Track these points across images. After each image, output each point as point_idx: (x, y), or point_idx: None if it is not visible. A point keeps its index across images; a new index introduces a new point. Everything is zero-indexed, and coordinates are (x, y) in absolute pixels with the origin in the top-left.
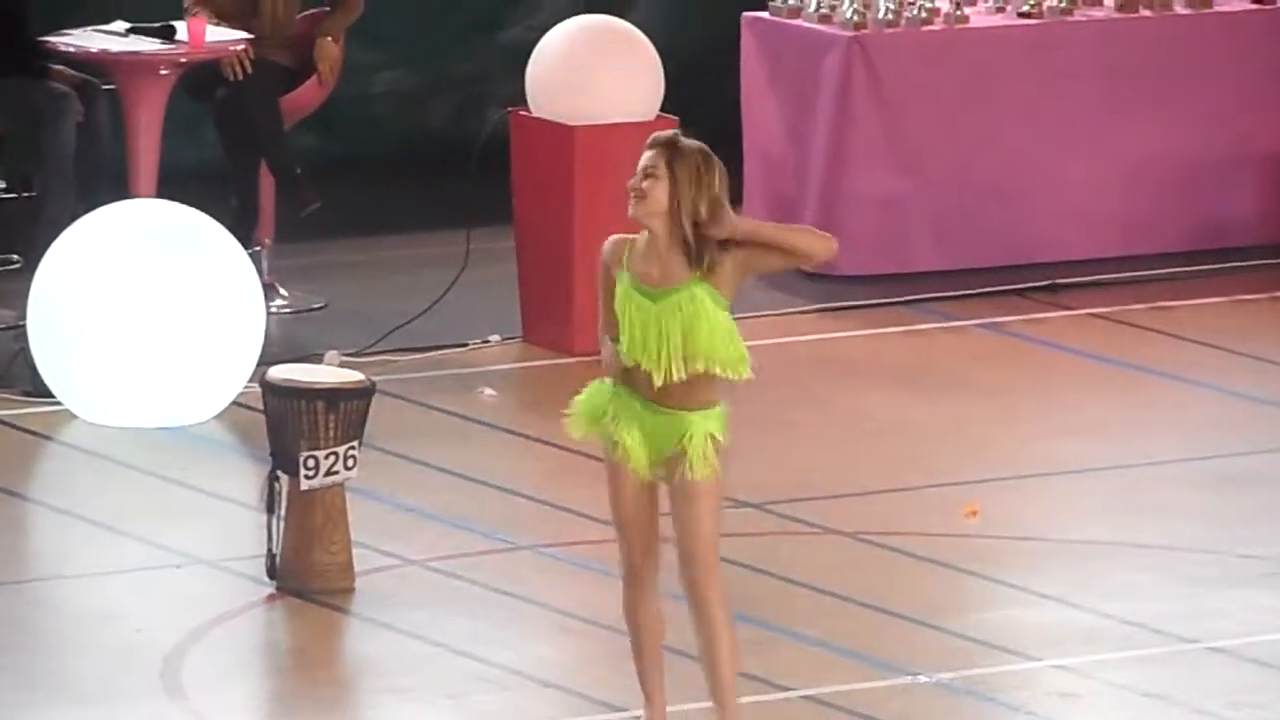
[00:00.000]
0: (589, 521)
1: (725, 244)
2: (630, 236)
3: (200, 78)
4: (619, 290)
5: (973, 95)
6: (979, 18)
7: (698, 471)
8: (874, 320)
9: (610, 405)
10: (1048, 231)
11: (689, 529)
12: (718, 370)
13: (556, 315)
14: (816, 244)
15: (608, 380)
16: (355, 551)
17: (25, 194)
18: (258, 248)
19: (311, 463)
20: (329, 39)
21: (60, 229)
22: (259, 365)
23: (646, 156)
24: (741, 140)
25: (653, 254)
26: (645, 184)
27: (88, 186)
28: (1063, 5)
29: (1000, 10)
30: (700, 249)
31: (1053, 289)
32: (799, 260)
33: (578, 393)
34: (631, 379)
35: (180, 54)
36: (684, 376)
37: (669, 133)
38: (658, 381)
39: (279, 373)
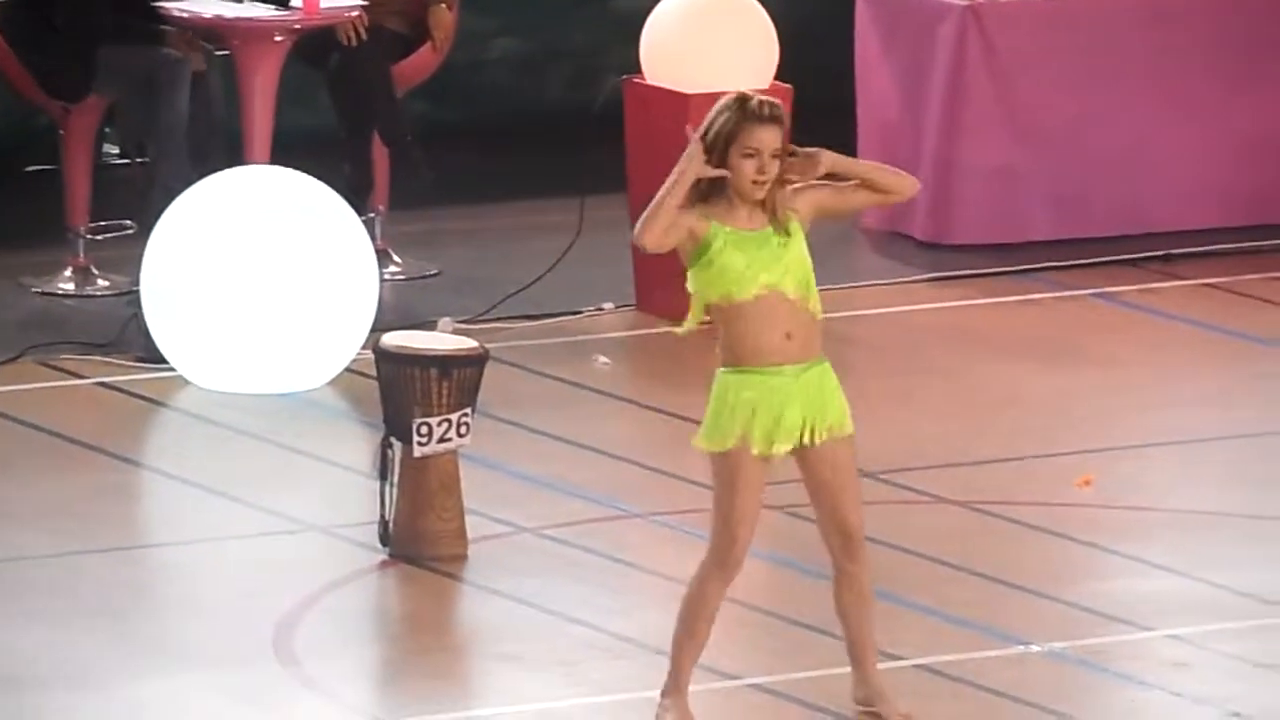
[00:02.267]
0: (702, 489)
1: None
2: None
3: (314, 44)
4: (719, 238)
5: (1087, 64)
6: None
7: (846, 426)
8: (988, 289)
9: (734, 396)
10: (1162, 201)
11: (855, 492)
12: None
13: (670, 282)
14: (902, 181)
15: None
16: (468, 518)
17: (139, 160)
18: (372, 214)
19: (425, 429)
20: (443, 6)
21: (174, 195)
22: (372, 332)
23: (769, 137)
24: (855, 109)
25: (737, 209)
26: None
27: (201, 153)
28: None
29: None
30: (775, 207)
31: (1167, 259)
32: (883, 197)
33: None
34: (757, 349)
35: (295, 20)
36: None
37: (771, 104)
38: (807, 312)
39: (392, 339)
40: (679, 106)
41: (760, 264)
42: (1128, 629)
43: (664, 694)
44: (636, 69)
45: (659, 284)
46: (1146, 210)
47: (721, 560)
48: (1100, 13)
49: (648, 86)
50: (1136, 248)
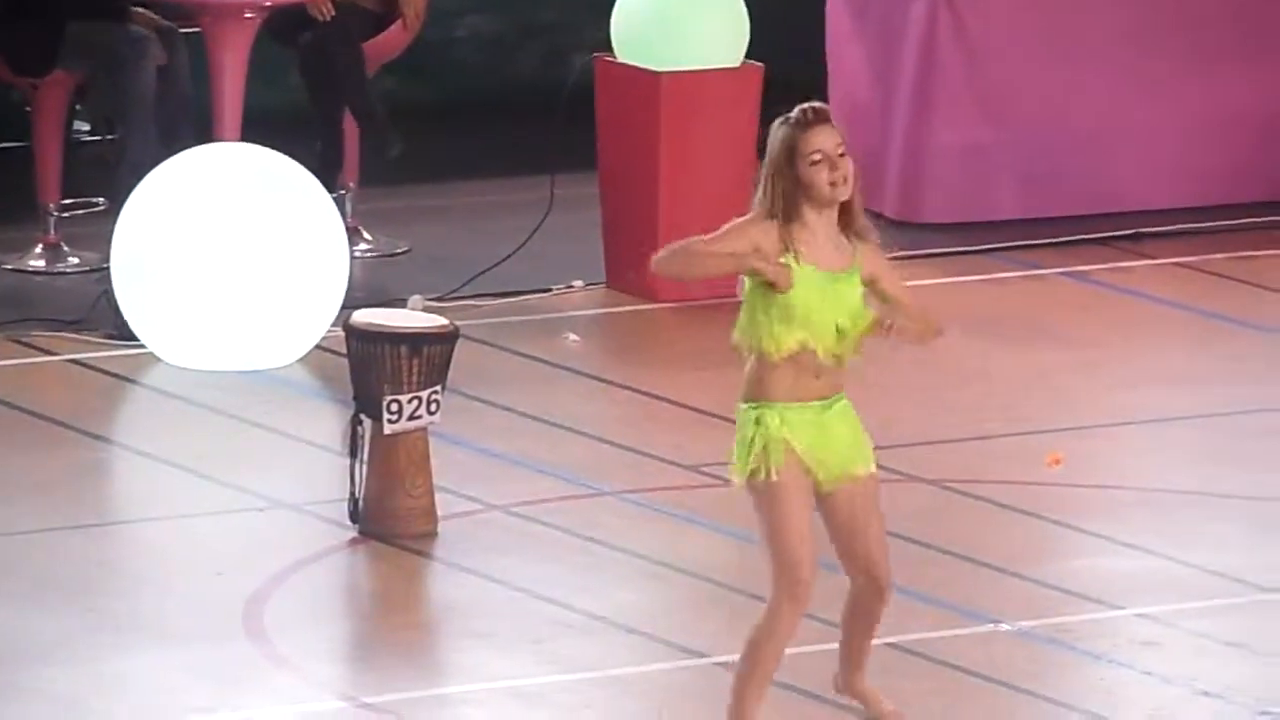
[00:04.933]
0: (671, 467)
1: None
2: (770, 224)
3: (284, 21)
4: (798, 279)
5: (1058, 43)
6: None
7: (870, 463)
8: (957, 268)
9: (764, 427)
10: (1131, 180)
11: (880, 534)
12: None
13: (640, 261)
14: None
15: (748, 408)
16: (438, 496)
17: (109, 137)
18: (342, 191)
19: (395, 407)
20: None
21: (141, 173)
22: (343, 309)
23: (827, 136)
24: (826, 88)
25: (819, 238)
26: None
27: (169, 130)
28: None
29: None
30: (859, 220)
31: (1136, 238)
32: (905, 332)
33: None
34: (790, 381)
35: None
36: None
37: (813, 108)
38: (831, 359)
39: (362, 317)
40: (649, 85)
41: (832, 310)
42: (1097, 607)
43: None
44: (607, 47)
45: (628, 262)
46: (1116, 189)
47: (791, 592)
48: None
49: (618, 65)
50: (1106, 227)
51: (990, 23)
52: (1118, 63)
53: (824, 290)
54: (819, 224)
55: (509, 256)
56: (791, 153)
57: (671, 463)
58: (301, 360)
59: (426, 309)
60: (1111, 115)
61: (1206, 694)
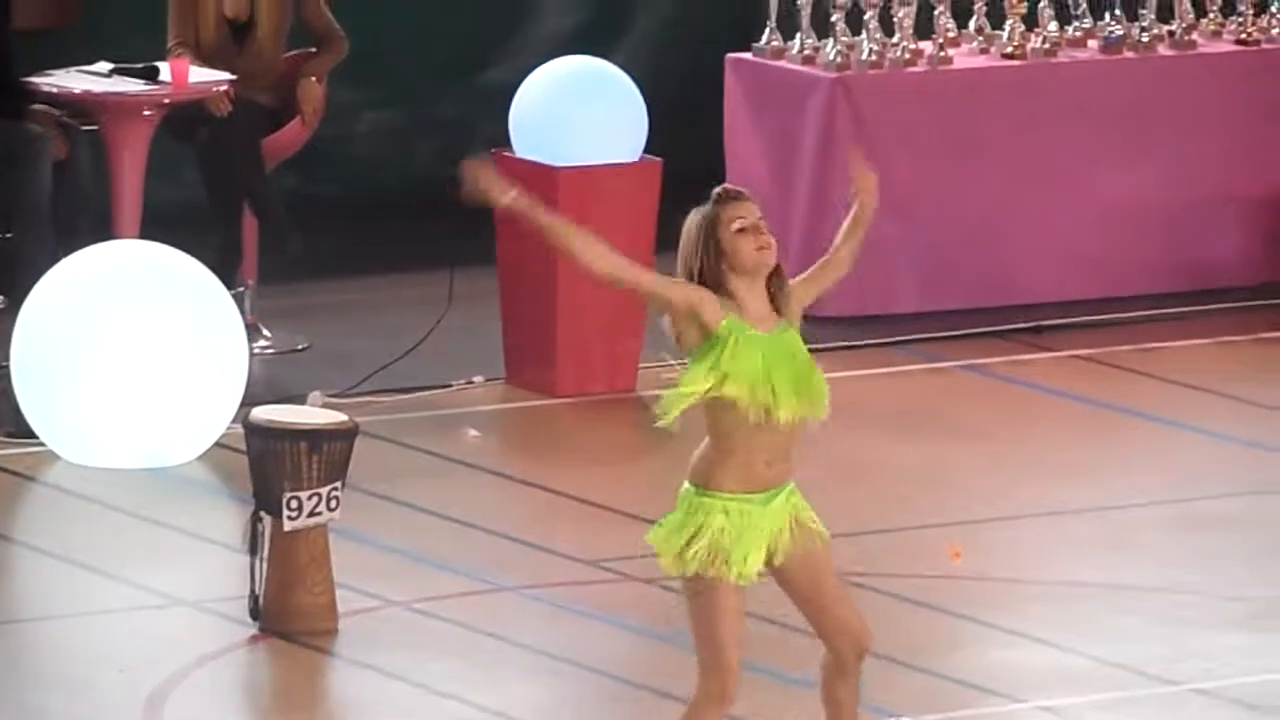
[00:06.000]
0: (572, 562)
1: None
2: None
3: (183, 118)
4: (733, 338)
5: (957, 137)
6: (962, 59)
7: (823, 531)
8: (857, 361)
9: (710, 529)
10: (1031, 273)
11: (845, 595)
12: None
13: (539, 357)
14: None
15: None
16: (338, 593)
17: (6, 235)
18: (241, 288)
19: (294, 504)
20: (313, 79)
21: (39, 271)
22: (242, 406)
23: (748, 208)
24: (724, 182)
25: (751, 308)
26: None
27: (67, 228)
28: (1046, 47)
29: (984, 52)
30: (781, 289)
31: (1036, 331)
32: (856, 244)
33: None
34: (742, 471)
35: (163, 95)
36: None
37: (733, 188)
38: (788, 418)
39: (262, 413)
40: (547, 180)
41: (788, 365)
42: (1000, 700)
43: None
44: (505, 142)
45: (527, 358)
46: (1015, 282)
47: (720, 692)
48: (967, 85)
49: (515, 159)
50: (1005, 319)
51: (888, 116)
52: (1016, 155)
53: (772, 347)
54: (749, 296)
55: (408, 352)
56: (713, 226)
57: (572, 558)
58: (201, 457)
59: (326, 405)
60: (1010, 207)
61: None
